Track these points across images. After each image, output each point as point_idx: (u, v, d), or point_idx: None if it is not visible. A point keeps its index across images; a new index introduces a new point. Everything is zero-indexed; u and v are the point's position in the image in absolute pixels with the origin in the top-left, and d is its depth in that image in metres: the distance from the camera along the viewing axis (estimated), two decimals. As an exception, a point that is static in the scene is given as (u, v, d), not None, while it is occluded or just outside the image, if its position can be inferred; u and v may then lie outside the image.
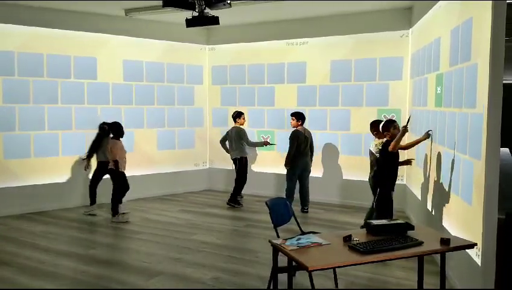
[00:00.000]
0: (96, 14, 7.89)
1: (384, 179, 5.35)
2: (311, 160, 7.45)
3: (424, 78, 6.02)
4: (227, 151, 7.98)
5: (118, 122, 7.09)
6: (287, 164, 7.25)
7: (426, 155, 5.70)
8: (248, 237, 6.24)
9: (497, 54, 3.44)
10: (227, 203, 7.90)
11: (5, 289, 4.43)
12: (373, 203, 5.70)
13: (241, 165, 7.82)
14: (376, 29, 7.69)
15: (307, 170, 7.38)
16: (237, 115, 7.88)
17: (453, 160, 4.43)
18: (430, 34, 5.71)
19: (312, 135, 7.48)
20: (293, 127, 7.32)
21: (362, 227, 6.10)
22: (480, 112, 3.66)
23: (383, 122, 5.56)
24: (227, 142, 7.99)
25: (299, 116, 7.30)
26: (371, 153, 6.05)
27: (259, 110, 8.73)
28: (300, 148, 7.19)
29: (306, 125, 7.42)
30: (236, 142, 7.79)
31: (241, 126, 7.87)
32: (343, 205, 7.88)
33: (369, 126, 6.24)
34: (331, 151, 8.18)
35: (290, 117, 7.40)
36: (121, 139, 6.96)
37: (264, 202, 8.14)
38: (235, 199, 7.88)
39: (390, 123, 5.41)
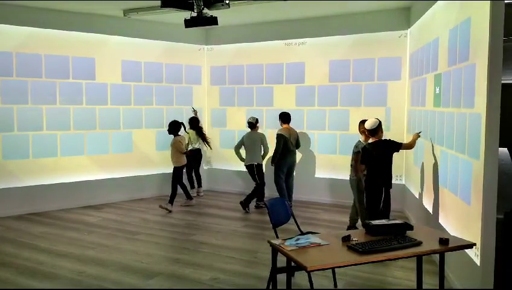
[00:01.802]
0: (95, 14, 7.88)
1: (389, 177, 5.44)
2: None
3: (422, 79, 6.02)
4: (242, 159, 7.79)
5: (173, 121, 7.69)
6: (273, 161, 7.47)
7: (425, 155, 5.71)
8: (247, 238, 6.24)
9: (495, 54, 3.45)
10: (255, 206, 7.75)
11: (4, 289, 4.43)
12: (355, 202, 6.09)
13: (260, 171, 7.68)
14: (374, 30, 7.70)
15: (293, 167, 7.62)
16: (257, 121, 7.73)
17: (451, 160, 4.44)
18: (429, 34, 5.72)
19: (300, 134, 7.78)
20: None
21: (349, 227, 6.17)
22: (478, 112, 3.66)
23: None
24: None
25: (283, 117, 7.55)
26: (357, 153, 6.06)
27: (258, 111, 8.72)
28: (287, 147, 7.39)
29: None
30: (258, 147, 7.69)
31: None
32: (342, 205, 7.87)
33: (358, 125, 6.32)
34: (329, 151, 8.18)
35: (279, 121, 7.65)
36: (177, 136, 7.64)
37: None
38: (252, 201, 7.72)
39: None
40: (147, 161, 8.46)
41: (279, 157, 7.41)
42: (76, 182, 7.91)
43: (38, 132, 7.56)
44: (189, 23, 6.47)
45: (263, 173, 7.74)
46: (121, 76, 8.39)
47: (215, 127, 9.39)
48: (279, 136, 7.41)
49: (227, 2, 6.11)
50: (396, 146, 5.34)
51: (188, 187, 8.28)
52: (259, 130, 7.87)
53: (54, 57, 7.66)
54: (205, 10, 6.33)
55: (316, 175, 8.32)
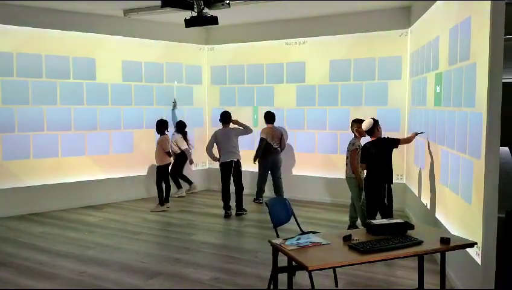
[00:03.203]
0: (95, 14, 7.88)
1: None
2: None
3: (423, 78, 6.02)
4: (216, 158, 7.34)
5: (160, 119, 7.74)
6: (255, 160, 7.83)
7: (425, 155, 5.70)
8: (247, 237, 6.23)
9: (496, 53, 3.44)
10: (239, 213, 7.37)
11: (4, 289, 4.43)
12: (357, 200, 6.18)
13: (239, 167, 7.34)
14: (375, 29, 7.69)
15: (277, 165, 7.87)
16: (230, 116, 7.42)
17: (452, 159, 4.43)
18: (429, 33, 5.71)
19: (287, 133, 8.29)
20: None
21: (350, 227, 6.20)
22: (479, 111, 3.65)
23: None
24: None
25: (266, 117, 7.89)
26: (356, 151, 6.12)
27: (257, 110, 8.71)
28: (269, 147, 7.69)
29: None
30: (236, 142, 7.32)
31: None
32: (343, 205, 7.86)
33: (350, 124, 6.47)
34: (330, 150, 8.18)
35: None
36: (164, 135, 7.67)
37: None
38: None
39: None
40: (147, 160, 8.45)
41: (262, 156, 7.74)
42: (77, 182, 7.90)
43: (38, 132, 7.56)
44: (189, 22, 6.47)
45: (241, 172, 7.36)
46: (122, 76, 8.38)
47: (215, 126, 9.35)
48: (261, 139, 7.73)
49: (227, 1, 6.10)
50: (395, 142, 5.47)
51: (175, 189, 8.60)
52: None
53: (54, 57, 7.65)
54: (205, 10, 6.33)
55: (317, 174, 8.31)
